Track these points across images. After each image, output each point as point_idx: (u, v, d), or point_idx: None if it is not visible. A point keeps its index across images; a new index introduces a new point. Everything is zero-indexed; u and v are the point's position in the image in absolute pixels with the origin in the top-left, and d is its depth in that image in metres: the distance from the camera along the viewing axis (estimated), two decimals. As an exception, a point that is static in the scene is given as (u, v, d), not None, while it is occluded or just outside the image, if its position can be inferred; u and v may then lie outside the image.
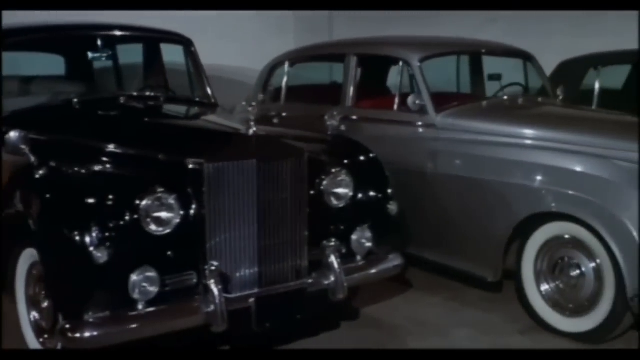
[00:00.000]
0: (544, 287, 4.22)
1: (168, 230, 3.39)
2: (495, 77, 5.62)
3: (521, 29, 8.56)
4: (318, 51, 5.86)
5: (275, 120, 5.90)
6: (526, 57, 5.69)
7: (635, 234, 3.71)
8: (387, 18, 8.11)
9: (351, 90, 5.38)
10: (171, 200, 3.39)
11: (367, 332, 4.24)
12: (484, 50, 5.84)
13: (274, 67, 6.12)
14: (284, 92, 5.98)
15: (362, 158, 4.23)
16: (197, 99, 5.27)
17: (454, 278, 4.90)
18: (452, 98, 5.22)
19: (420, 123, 4.90)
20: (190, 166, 3.49)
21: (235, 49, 8.11)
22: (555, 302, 4.18)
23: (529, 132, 4.46)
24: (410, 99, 4.85)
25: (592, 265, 3.98)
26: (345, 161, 4.11)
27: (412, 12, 8.11)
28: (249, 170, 3.57)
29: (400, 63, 5.09)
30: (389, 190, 4.14)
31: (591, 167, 4.00)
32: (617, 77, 7.14)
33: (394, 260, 4.13)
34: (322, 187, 3.92)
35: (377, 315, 4.49)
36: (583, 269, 4.03)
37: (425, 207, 4.76)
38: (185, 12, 7.99)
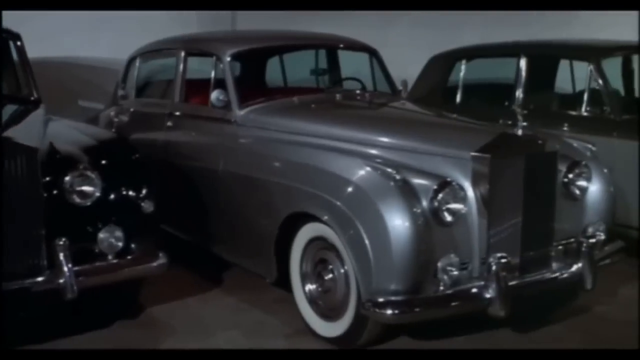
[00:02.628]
0: (308, 289, 4.11)
1: None
2: (319, 72, 5.48)
3: (431, 22, 8.37)
4: (160, 46, 5.79)
5: (125, 117, 5.87)
6: (370, 52, 5.52)
7: (367, 240, 3.58)
8: (292, 16, 7.98)
9: (179, 85, 5.30)
10: None
11: (130, 331, 4.18)
12: (341, 45, 5.70)
13: (129, 62, 6.07)
14: (135, 87, 5.94)
15: (120, 156, 4.16)
16: (32, 97, 5.24)
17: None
18: (279, 94, 5.11)
19: (225, 119, 4.81)
20: None
21: (140, 44, 8.14)
22: (316, 305, 4.06)
23: (311, 128, 4.37)
24: (213, 95, 4.77)
25: (342, 270, 3.86)
26: (104, 160, 4.06)
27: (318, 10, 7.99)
28: (-30, 168, 3.58)
29: (214, 58, 4.99)
30: (145, 190, 4.06)
31: (340, 167, 3.86)
32: (501, 70, 6.91)
33: (156, 260, 4.06)
34: (64, 185, 3.88)
35: (157, 315, 4.44)
36: (335, 273, 3.91)
37: (219, 206, 4.68)
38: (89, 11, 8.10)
